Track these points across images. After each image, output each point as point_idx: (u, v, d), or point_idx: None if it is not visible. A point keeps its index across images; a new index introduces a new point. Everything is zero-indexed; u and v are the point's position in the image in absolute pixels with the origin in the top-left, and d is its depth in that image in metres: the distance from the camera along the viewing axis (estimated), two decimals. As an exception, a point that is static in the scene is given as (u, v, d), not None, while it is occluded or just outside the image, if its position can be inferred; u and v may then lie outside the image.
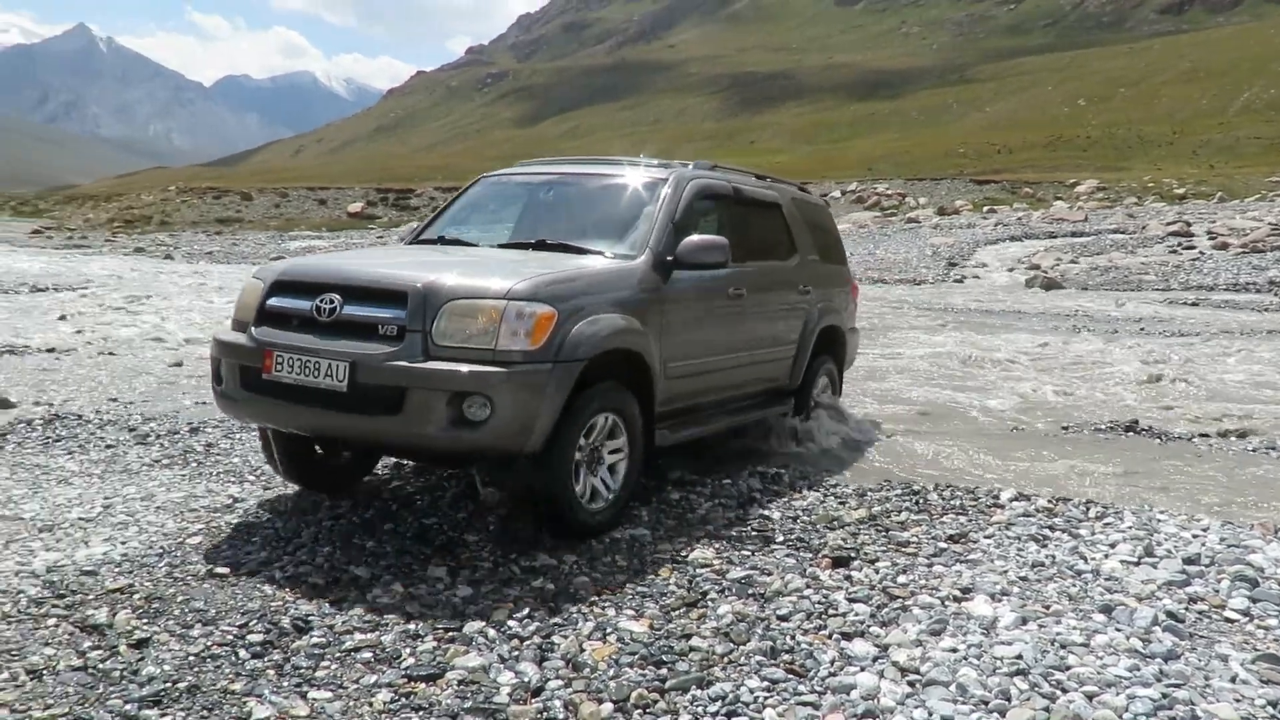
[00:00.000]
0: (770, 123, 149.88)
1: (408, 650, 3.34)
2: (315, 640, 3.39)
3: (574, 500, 4.32)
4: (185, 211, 51.96)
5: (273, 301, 4.46)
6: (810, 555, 4.34)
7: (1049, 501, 5.25)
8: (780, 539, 4.57)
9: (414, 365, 3.97)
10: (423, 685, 3.10)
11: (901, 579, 4.05)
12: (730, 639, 3.45)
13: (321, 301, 4.25)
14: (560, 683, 3.12)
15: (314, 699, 3.00)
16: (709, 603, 3.78)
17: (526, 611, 3.66)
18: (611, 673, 3.20)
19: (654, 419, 4.83)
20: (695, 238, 5.03)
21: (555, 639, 3.44)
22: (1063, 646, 3.41)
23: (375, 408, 4.02)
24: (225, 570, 4.02)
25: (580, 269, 4.65)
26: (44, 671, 3.15)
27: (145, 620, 3.54)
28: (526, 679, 3.14)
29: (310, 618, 3.57)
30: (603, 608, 3.73)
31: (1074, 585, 4.02)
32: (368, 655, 3.30)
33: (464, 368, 3.95)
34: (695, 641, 3.42)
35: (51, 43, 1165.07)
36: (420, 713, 2.94)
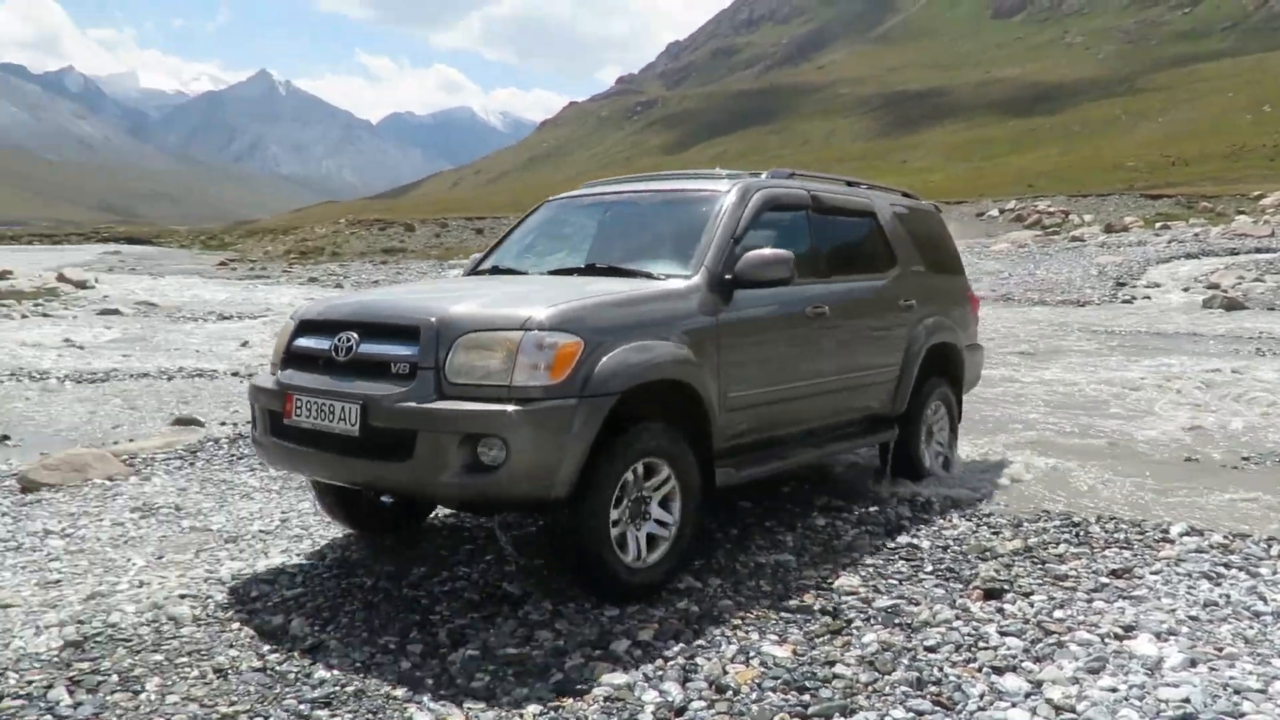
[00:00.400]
0: (923, 141, 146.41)
1: (556, 666, 3.45)
2: (470, 653, 3.55)
3: (610, 554, 3.86)
4: (354, 243, 54.99)
5: (299, 342, 4.28)
6: (960, 586, 4.23)
7: (1225, 537, 4.93)
8: (929, 568, 4.47)
9: (423, 406, 3.65)
10: (570, 700, 3.20)
11: (1058, 613, 3.90)
12: (875, 668, 3.41)
13: (339, 340, 4.01)
14: (703, 704, 3.17)
15: (469, 708, 3.15)
16: (854, 630, 3.75)
17: (671, 632, 3.73)
18: (754, 696, 3.22)
19: (713, 457, 4.34)
20: (755, 252, 4.46)
21: (699, 660, 3.49)
22: (1236, 692, 3.21)
23: (387, 452, 3.72)
24: (388, 584, 4.26)
25: (618, 293, 4.17)
26: (229, 671, 3.43)
27: (317, 627, 3.80)
28: (670, 698, 3.20)
29: (466, 631, 3.74)
30: (746, 631, 3.75)
31: (1251, 627, 3.78)
32: (519, 669, 3.43)
33: (475, 407, 3.60)
34: (839, 669, 3.40)
35: (237, 88, 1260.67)
36: (568, 726, 3.04)
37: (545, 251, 5.48)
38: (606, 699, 3.21)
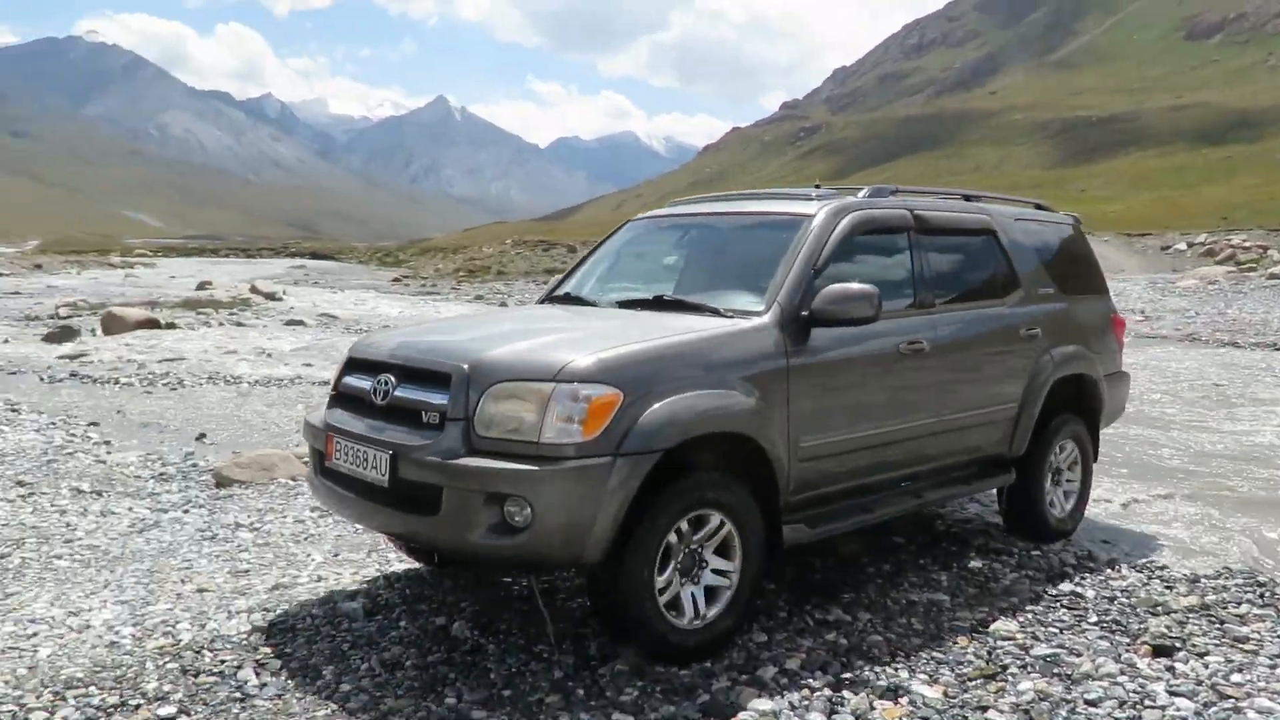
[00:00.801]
0: (1104, 170, 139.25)
1: (703, 687, 3.51)
2: (619, 667, 3.65)
3: (656, 617, 3.56)
4: (518, 262, 56.92)
5: (346, 380, 4.13)
6: (1127, 640, 4.04)
7: None
8: (1093, 619, 4.29)
9: (448, 461, 3.41)
10: (715, 722, 3.25)
11: (1236, 677, 3.67)
12: (1030, 716, 3.31)
13: (379, 382, 3.84)
14: (849, 738, 3.16)
15: (617, 720, 3.25)
16: (1009, 677, 3.64)
17: (819, 663, 3.72)
18: (902, 735, 3.18)
19: (779, 511, 3.96)
20: (835, 287, 4.03)
21: (845, 693, 3.47)
22: None
23: (417, 506, 3.51)
24: (542, 596, 4.42)
25: (671, 337, 3.78)
26: (395, 666, 3.66)
27: (476, 632, 3.99)
28: (815, 729, 3.21)
29: (616, 647, 3.85)
30: (895, 669, 3.70)
31: None
32: (666, 687, 3.51)
33: (500, 465, 3.34)
34: (991, 715, 3.32)
35: (416, 113, 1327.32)
36: (713, 747, 3.09)
37: (621, 277, 5.13)
38: (751, 724, 3.24)
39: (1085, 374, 5.60)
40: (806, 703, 3.40)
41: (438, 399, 3.57)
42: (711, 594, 3.75)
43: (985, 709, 3.36)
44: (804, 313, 4.06)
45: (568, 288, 5.19)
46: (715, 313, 4.13)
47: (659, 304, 4.43)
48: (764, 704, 3.37)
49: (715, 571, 3.77)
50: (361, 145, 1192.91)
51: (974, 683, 3.59)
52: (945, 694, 3.49)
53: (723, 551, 3.78)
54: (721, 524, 3.72)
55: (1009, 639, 4.02)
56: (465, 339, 4.02)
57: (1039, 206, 5.99)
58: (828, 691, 3.49)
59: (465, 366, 3.57)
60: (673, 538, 3.59)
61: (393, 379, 3.80)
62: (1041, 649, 3.91)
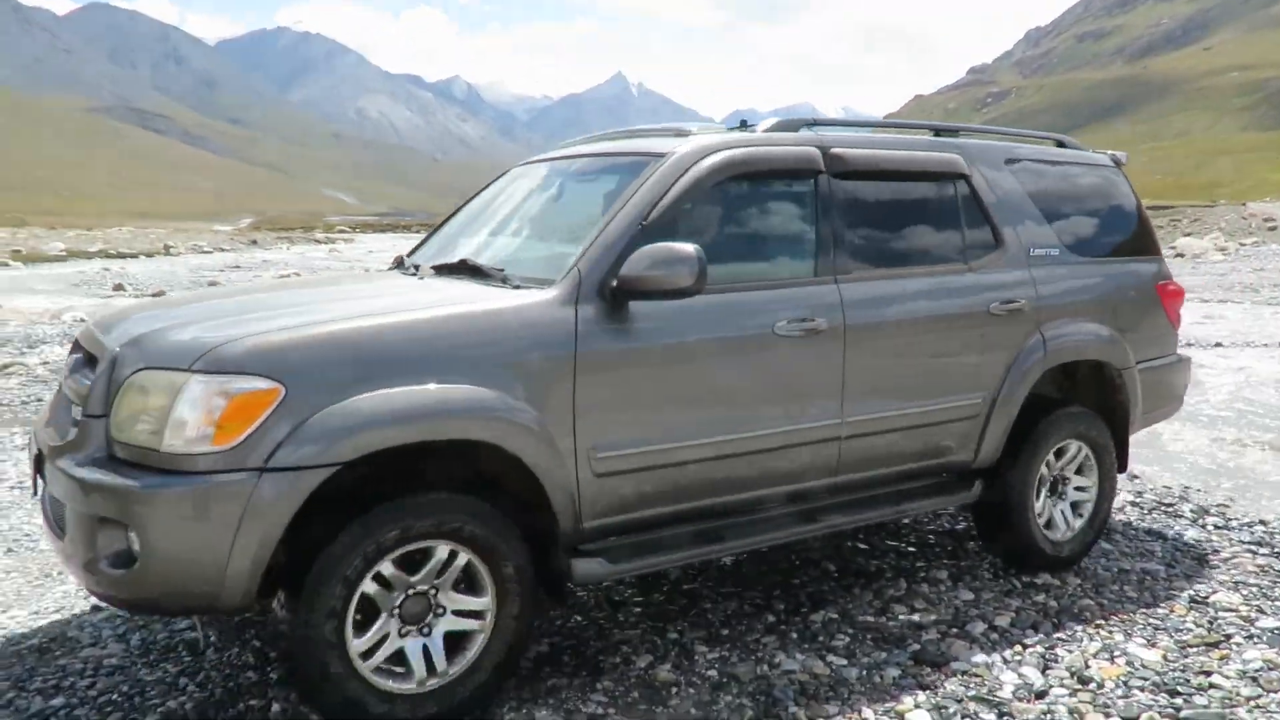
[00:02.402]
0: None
1: (912, 638, 3.63)
2: (830, 615, 3.82)
3: (351, 679, 2.77)
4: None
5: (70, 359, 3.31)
6: (1366, 618, 3.87)
7: None
8: (1327, 596, 4.12)
9: (69, 470, 2.72)
10: (928, 669, 3.38)
11: None
12: (1259, 684, 3.26)
13: (69, 367, 3.22)
14: (1065, 691, 3.22)
15: (831, 661, 3.43)
16: (1233, 646, 3.58)
17: (1029, 622, 3.77)
18: (1120, 692, 3.22)
19: (558, 540, 3.10)
20: (647, 248, 3.09)
21: (1059, 652, 3.52)
22: None
23: (60, 523, 2.84)
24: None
25: (397, 315, 2.96)
26: (621, 605, 3.96)
27: (692, 574, 4.24)
28: (1030, 682, 3.28)
29: (826, 595, 4.02)
30: (1109, 631, 3.71)
31: None
32: (876, 635, 3.66)
33: (105, 478, 2.63)
34: (1216, 680, 3.29)
35: (595, 90, 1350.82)
36: (926, 691, 3.23)
37: (473, 233, 4.10)
38: (964, 674, 3.35)
39: (1101, 360, 4.42)
40: (1019, 658, 3.47)
41: (88, 388, 2.88)
42: (457, 644, 2.96)
43: (1209, 673, 3.34)
44: (613, 283, 3.13)
45: (418, 252, 4.28)
46: (504, 281, 3.30)
47: (461, 269, 3.58)
48: (976, 656, 3.46)
49: (460, 613, 2.96)
50: (542, 123, 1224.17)
51: (1194, 649, 3.55)
52: (1165, 657, 3.48)
53: (471, 589, 2.97)
54: (452, 555, 2.90)
55: (1231, 610, 3.93)
56: (173, 314, 3.24)
57: (1060, 144, 4.83)
58: (1040, 648, 3.54)
59: (117, 349, 2.86)
60: (372, 588, 2.80)
61: (80, 360, 3.15)
62: (1268, 621, 3.81)
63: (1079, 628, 3.73)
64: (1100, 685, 3.26)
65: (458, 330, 2.95)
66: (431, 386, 2.81)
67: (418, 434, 2.78)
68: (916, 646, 3.55)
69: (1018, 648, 3.55)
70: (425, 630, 2.90)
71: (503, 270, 3.38)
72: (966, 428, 4.02)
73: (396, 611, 2.85)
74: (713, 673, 3.35)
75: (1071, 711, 3.10)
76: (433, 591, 2.90)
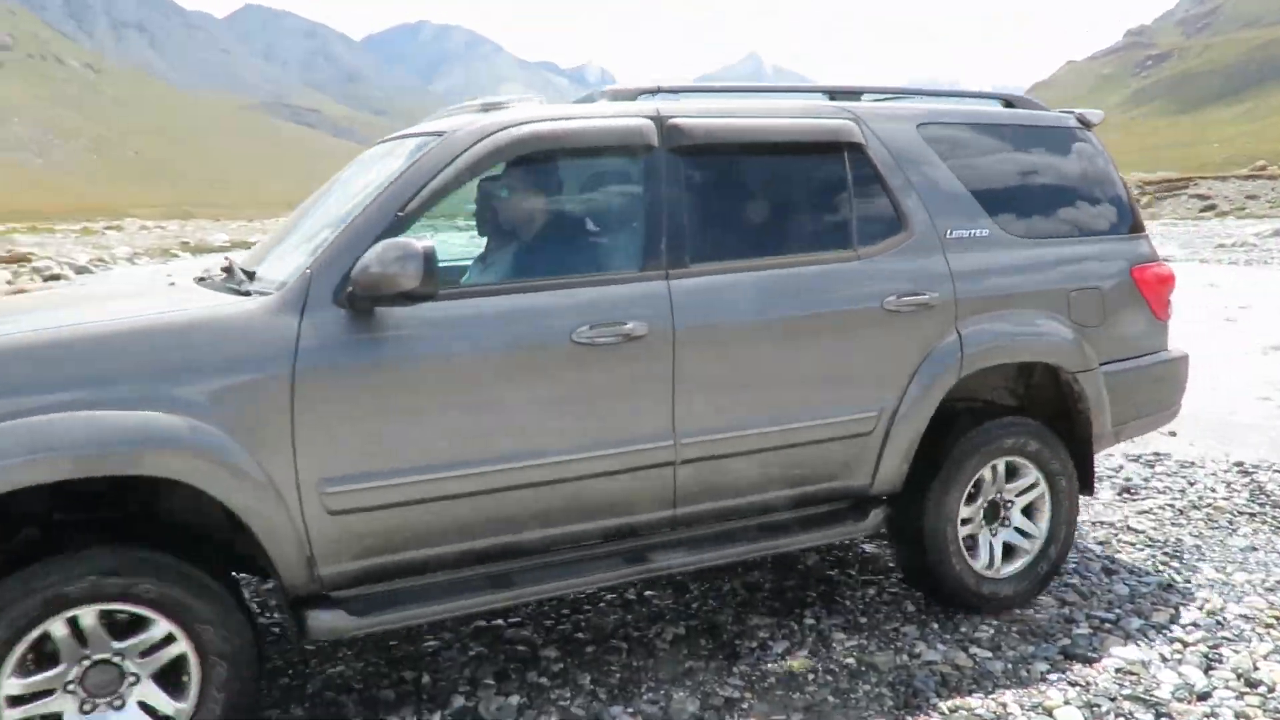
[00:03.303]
0: None
1: (1062, 631, 3.50)
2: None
3: None
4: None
5: None
6: None
7: None
8: None
9: None
10: (1079, 665, 3.25)
11: None
12: None
13: None
14: (1231, 694, 3.04)
15: (975, 653, 3.34)
16: None
17: (1190, 619, 3.58)
18: (1293, 697, 3.02)
19: (286, 590, 2.67)
20: (378, 246, 2.62)
21: (1224, 652, 3.32)
22: None
23: None
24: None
25: (73, 326, 2.54)
26: (756, 588, 3.95)
27: (831, 564, 4.20)
28: (1191, 682, 3.12)
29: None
30: (1281, 633, 3.48)
31: None
32: (1022, 628, 3.54)
33: None
34: (1405, 688, 3.05)
35: (729, 70, 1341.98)
36: (1077, 688, 3.10)
37: (295, 230, 3.37)
38: (1118, 670, 3.21)
39: (1050, 362, 3.69)
40: (1179, 656, 3.30)
41: None
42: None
43: (1397, 681, 3.10)
44: (350, 288, 2.67)
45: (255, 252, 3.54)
46: (237, 290, 2.87)
47: (227, 273, 3.12)
48: (1131, 652, 3.31)
49: (164, 682, 2.53)
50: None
51: (1380, 654, 3.30)
52: (1345, 662, 3.24)
53: (172, 673, 2.54)
54: (136, 622, 2.48)
55: None
56: None
57: (1009, 104, 4.11)
58: (1203, 648, 3.35)
59: None
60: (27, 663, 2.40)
61: None
62: None
63: (1248, 626, 3.52)
64: (1272, 689, 3.06)
65: (133, 345, 2.52)
66: (82, 413, 2.36)
67: (61, 470, 2.34)
68: (1066, 640, 3.42)
69: (1177, 645, 3.38)
70: (118, 705, 2.49)
71: (254, 273, 2.96)
72: (856, 447, 3.36)
73: (78, 686, 2.44)
74: (850, 660, 3.31)
75: (1238, 715, 2.93)
76: (131, 672, 2.49)
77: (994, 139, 3.82)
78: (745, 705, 3.04)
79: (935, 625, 3.57)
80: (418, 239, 2.62)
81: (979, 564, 3.60)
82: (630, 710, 3.02)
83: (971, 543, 3.61)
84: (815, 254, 3.35)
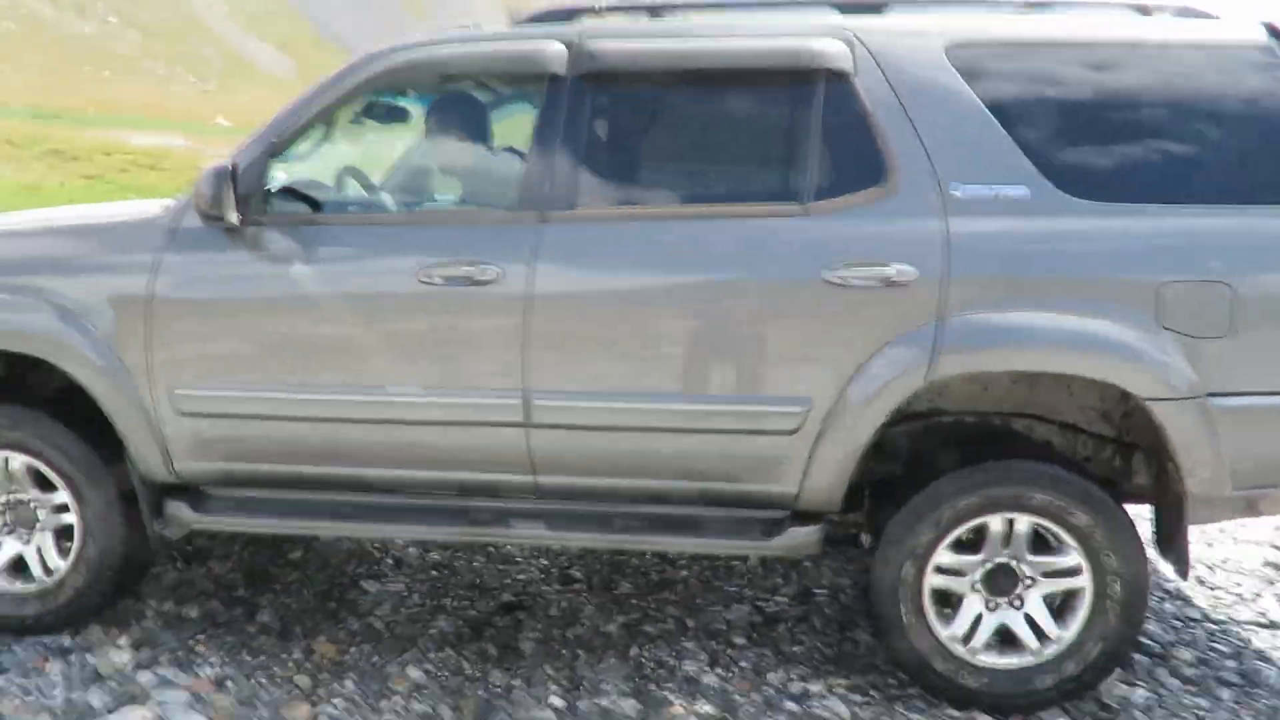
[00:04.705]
0: None
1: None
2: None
3: None
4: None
5: None
6: None
7: None
8: None
9: None
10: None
11: None
12: None
13: None
14: None
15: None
16: None
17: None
18: None
19: (144, 481, 2.95)
20: (206, 171, 2.74)
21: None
22: None
23: None
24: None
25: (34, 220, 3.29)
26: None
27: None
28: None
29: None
30: None
31: None
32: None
33: None
34: None
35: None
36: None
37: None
38: None
39: (1104, 380, 2.61)
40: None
41: None
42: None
43: None
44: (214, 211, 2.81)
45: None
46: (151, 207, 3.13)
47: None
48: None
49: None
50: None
51: None
52: None
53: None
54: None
55: None
56: None
57: (1144, 10, 2.89)
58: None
59: None
60: None
61: None
62: None
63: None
64: None
65: (59, 240, 3.04)
66: None
67: None
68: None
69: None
70: None
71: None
72: (774, 447, 2.73)
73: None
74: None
75: None
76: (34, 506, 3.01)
77: (1085, 65, 2.74)
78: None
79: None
80: (220, 162, 2.75)
81: (947, 629, 2.74)
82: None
83: (947, 601, 2.76)
84: (746, 206, 2.82)
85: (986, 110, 2.68)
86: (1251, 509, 2.76)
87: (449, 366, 2.82)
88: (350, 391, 2.84)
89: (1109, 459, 2.79)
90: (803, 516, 2.79)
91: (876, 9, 2.94)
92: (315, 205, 3.02)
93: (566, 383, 2.77)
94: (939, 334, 2.60)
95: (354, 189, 3.27)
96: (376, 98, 3.06)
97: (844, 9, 2.94)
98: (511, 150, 3.05)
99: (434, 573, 3.61)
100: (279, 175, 2.92)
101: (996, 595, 2.72)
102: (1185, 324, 2.56)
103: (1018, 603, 2.72)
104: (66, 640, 2.96)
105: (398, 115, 3.26)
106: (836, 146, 2.76)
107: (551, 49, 2.82)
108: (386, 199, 3.24)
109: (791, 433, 2.71)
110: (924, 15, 2.91)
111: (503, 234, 2.78)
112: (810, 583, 3.62)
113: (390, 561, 3.66)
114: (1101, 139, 2.71)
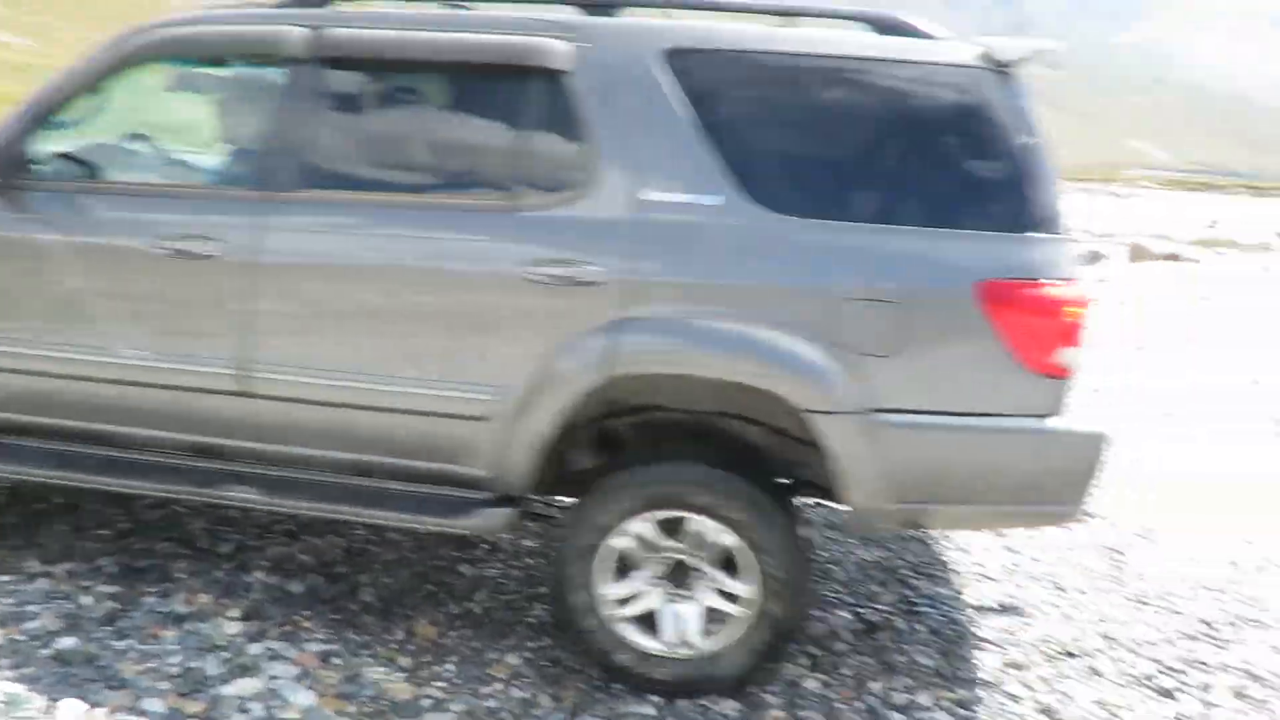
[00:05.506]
0: None
1: None
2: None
3: None
4: None
5: None
6: None
7: None
8: None
9: None
10: None
11: None
12: None
13: None
14: None
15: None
16: None
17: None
18: None
19: None
20: None
21: None
22: None
23: None
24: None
25: None
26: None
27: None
28: None
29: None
30: None
31: None
32: None
33: None
34: None
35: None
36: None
37: None
38: None
39: (760, 387, 2.69)
40: None
41: None
42: None
43: None
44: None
45: None
46: None
47: None
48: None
49: None
50: None
51: None
52: None
53: None
54: None
55: None
56: None
57: (882, 29, 2.89)
58: None
59: None
60: None
61: None
62: None
63: None
64: None
65: None
66: None
67: None
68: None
69: None
70: None
71: None
72: (471, 431, 2.86)
73: None
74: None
75: None
76: None
77: (801, 80, 2.81)
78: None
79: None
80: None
81: (639, 633, 2.86)
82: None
83: (626, 600, 2.86)
84: (459, 197, 2.95)
85: (693, 117, 2.76)
86: (912, 523, 2.95)
87: (169, 333, 3.03)
88: (91, 352, 3.04)
89: (818, 464, 2.77)
90: (502, 500, 2.88)
91: (609, 9, 3.00)
92: (94, 171, 3.18)
93: (281, 358, 2.94)
94: (619, 334, 2.72)
95: (135, 156, 3.40)
96: (139, 71, 3.18)
97: (586, 7, 3.00)
98: (257, 128, 3.15)
99: (528, 560, 3.66)
100: (61, 142, 3.14)
101: (681, 586, 2.85)
102: (855, 340, 2.66)
103: (694, 576, 2.84)
104: (181, 608, 3.05)
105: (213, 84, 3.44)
106: (548, 144, 2.89)
107: (294, 34, 2.97)
108: (154, 166, 3.41)
109: (484, 419, 2.84)
110: (650, 20, 3.05)
111: (229, 209, 2.97)
112: (911, 593, 3.60)
113: (486, 546, 3.70)
114: (803, 154, 2.83)
